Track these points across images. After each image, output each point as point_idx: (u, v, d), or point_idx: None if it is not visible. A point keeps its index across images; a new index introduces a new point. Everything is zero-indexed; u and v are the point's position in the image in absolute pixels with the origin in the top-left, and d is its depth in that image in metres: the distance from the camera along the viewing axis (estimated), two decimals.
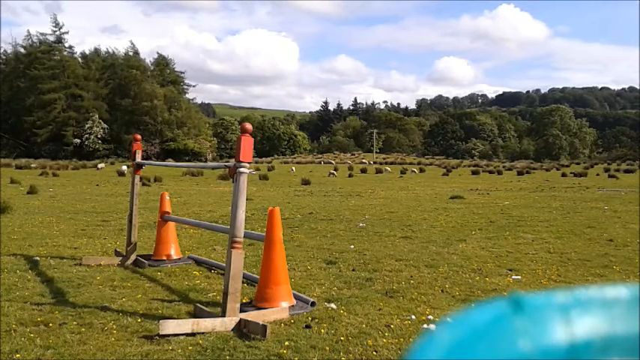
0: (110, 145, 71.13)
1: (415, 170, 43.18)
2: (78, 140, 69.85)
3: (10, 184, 20.20)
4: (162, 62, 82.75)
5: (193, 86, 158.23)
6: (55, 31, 75.83)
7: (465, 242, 7.50)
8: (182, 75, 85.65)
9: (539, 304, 0.40)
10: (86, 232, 8.31)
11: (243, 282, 4.32)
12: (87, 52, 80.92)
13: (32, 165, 41.78)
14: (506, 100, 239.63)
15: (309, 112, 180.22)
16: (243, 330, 3.70)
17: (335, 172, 36.52)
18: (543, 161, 79.84)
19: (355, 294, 4.67)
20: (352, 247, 7.08)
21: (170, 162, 37.02)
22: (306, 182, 23.81)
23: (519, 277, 5.41)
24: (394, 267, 5.81)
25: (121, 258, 6.03)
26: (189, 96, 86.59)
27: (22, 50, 75.76)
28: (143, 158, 6.46)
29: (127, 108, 73.98)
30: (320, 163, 69.37)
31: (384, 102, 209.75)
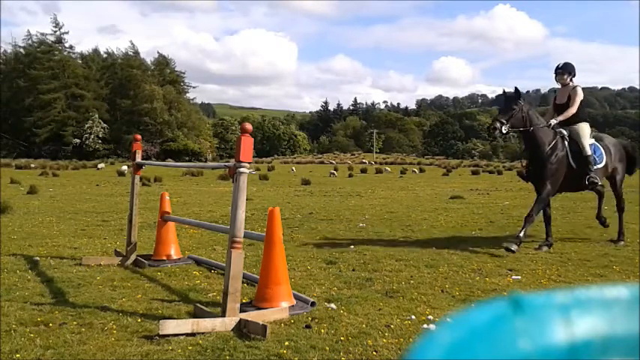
0: (110, 145, 71.16)
1: (415, 170, 43.16)
2: (78, 140, 69.86)
3: (10, 184, 20.19)
4: (163, 62, 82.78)
5: (194, 87, 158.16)
6: (55, 31, 75.84)
7: (465, 242, 7.50)
8: (182, 75, 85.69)
9: (539, 304, 0.40)
10: (86, 232, 8.31)
11: (243, 282, 4.32)
12: (85, 52, 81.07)
13: (32, 165, 41.79)
14: None
15: (309, 112, 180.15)
16: (243, 330, 3.70)
17: (335, 172, 36.51)
18: None
19: (355, 294, 4.66)
20: (352, 247, 7.08)
21: (170, 162, 37.02)
22: (306, 182, 23.78)
23: (519, 277, 5.40)
24: (394, 267, 5.81)
25: (120, 258, 6.03)
26: (189, 96, 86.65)
27: (21, 50, 75.77)
28: (143, 158, 6.47)
29: (127, 108, 73.99)
30: (321, 163, 69.34)
31: (384, 102, 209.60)
